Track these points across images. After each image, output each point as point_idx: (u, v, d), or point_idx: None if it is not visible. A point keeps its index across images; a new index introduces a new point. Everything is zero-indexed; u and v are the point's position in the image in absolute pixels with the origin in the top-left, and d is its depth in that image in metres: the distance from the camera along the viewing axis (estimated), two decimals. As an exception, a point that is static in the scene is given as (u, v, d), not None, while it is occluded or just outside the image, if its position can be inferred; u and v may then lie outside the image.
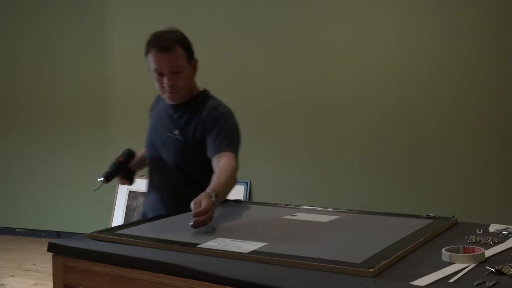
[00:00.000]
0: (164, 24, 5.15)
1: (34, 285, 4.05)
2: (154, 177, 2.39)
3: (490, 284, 1.27)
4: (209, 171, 2.20)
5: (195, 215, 1.74)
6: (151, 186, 2.41)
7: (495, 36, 3.71)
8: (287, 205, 2.35)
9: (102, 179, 2.31)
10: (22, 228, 5.35)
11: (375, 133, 4.04)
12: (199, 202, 1.81)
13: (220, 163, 2.15)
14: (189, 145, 2.27)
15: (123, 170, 2.40)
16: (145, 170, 2.49)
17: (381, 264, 1.40)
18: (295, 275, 1.37)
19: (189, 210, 1.94)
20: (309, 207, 2.26)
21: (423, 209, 2.68)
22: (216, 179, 2.04)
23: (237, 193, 4.33)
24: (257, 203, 2.79)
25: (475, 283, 1.28)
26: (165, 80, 2.21)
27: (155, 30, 4.58)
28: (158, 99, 2.47)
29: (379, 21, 4.01)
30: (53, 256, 1.71)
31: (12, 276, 4.25)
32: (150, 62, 2.24)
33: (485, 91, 3.75)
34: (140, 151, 2.52)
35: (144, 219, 2.14)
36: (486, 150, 3.76)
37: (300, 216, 2.10)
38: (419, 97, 3.92)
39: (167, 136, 2.31)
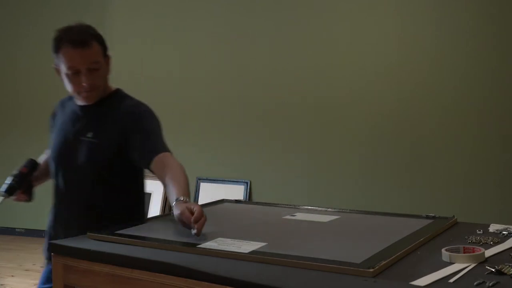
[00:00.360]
0: (164, 24, 5.18)
1: (34, 285, 4.05)
2: (64, 189, 2.13)
3: (490, 284, 1.26)
4: (128, 175, 2.11)
5: (196, 221, 1.69)
6: (59, 200, 2.15)
7: (495, 36, 3.71)
8: (287, 205, 2.35)
9: (3, 193, 2.05)
10: (22, 228, 5.35)
11: (375, 133, 4.04)
12: (188, 209, 1.75)
13: (168, 165, 1.99)
14: (105, 147, 2.07)
15: (25, 183, 2.13)
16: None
17: (381, 264, 1.40)
18: (295, 275, 1.37)
19: (109, 220, 1.90)
20: (309, 207, 2.26)
21: (423, 209, 2.68)
22: (177, 184, 1.91)
23: (237, 193, 4.33)
24: (257, 203, 2.79)
25: (475, 283, 1.28)
26: (82, 78, 2.01)
27: (155, 30, 4.58)
28: (63, 103, 2.26)
29: (379, 21, 4.01)
30: (53, 256, 1.71)
31: (12, 276, 4.25)
32: (63, 59, 2.00)
33: (485, 91, 3.75)
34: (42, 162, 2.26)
35: (144, 219, 2.12)
36: (486, 150, 3.76)
37: (300, 216, 2.10)
38: (419, 97, 3.92)
39: (80, 140, 2.08)
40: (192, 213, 1.72)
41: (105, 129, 2.08)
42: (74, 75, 2.01)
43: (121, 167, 2.09)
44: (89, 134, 2.07)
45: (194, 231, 1.65)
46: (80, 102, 2.12)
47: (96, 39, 2.06)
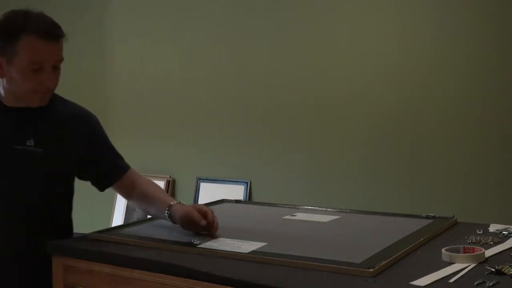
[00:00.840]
0: (164, 24, 5.17)
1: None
2: None
3: (490, 284, 1.27)
4: (71, 188, 1.91)
5: (212, 223, 1.72)
6: None
7: (495, 36, 3.71)
8: (287, 205, 2.36)
9: None
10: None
11: (375, 133, 4.03)
12: (196, 208, 1.75)
13: (137, 181, 1.93)
14: (52, 156, 1.78)
15: None
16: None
17: (381, 264, 1.40)
18: (295, 275, 1.37)
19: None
20: (309, 207, 2.26)
21: (423, 209, 2.68)
22: (161, 193, 1.92)
23: (237, 193, 4.33)
24: (257, 203, 2.79)
25: (475, 283, 1.28)
26: (46, 76, 1.72)
27: (155, 30, 4.54)
28: None
29: (379, 21, 4.01)
30: (53, 256, 1.71)
31: (12, 276, 4.24)
32: (24, 50, 1.68)
33: (485, 91, 3.75)
34: None
35: (145, 219, 2.13)
36: (486, 150, 3.75)
37: (300, 216, 2.10)
38: (419, 97, 3.91)
39: (14, 150, 1.73)
40: (201, 213, 1.73)
41: (52, 136, 1.80)
42: (34, 71, 1.71)
43: (69, 180, 1.89)
44: (29, 142, 1.75)
45: (197, 241, 1.64)
46: (10, 102, 1.77)
47: (62, 33, 1.79)
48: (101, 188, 1.98)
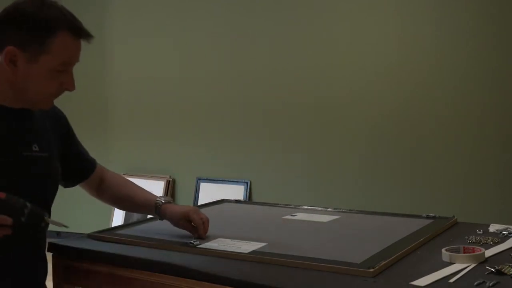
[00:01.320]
0: (164, 24, 5.17)
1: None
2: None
3: (490, 284, 1.27)
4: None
5: (204, 230, 1.72)
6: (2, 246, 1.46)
7: (495, 36, 3.71)
8: (287, 205, 2.36)
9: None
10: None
11: (375, 133, 4.04)
12: (185, 218, 1.72)
13: (107, 177, 1.84)
14: (53, 160, 1.62)
15: None
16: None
17: (381, 264, 1.40)
18: (295, 275, 1.37)
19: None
20: (309, 207, 2.26)
21: (423, 209, 2.68)
22: (140, 189, 1.85)
23: (237, 193, 4.33)
24: (257, 203, 2.79)
25: (475, 283, 1.28)
26: (65, 78, 1.50)
27: (155, 30, 4.51)
28: None
29: (379, 21, 4.01)
30: (53, 256, 1.71)
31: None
32: (58, 48, 1.43)
33: (485, 91, 3.76)
34: None
35: (145, 219, 2.12)
36: (486, 150, 3.76)
37: (300, 216, 2.10)
38: (419, 97, 3.92)
39: (23, 157, 1.51)
40: (190, 221, 1.73)
41: (46, 137, 1.61)
42: (58, 73, 1.48)
43: None
44: (35, 147, 1.55)
45: (196, 242, 1.64)
46: (7, 102, 1.50)
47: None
48: (69, 185, 1.84)
